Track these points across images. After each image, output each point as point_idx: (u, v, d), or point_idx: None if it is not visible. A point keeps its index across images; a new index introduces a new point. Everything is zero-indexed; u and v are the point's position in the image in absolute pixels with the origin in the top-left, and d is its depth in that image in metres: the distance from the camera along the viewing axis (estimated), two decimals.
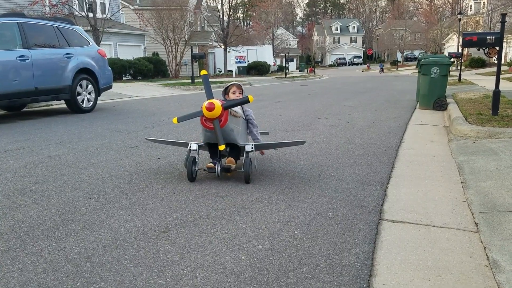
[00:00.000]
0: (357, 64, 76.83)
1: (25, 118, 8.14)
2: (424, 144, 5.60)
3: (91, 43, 9.28)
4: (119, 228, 2.69)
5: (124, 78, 20.82)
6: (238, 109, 3.88)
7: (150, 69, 21.61)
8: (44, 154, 4.82)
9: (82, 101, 8.75)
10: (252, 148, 3.83)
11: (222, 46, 34.93)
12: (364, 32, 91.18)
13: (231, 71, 30.86)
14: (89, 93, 8.92)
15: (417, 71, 9.61)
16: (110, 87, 9.75)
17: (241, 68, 33.87)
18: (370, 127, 7.02)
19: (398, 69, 46.21)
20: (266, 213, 2.98)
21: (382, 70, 42.27)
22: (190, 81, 18.36)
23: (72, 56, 8.50)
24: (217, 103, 3.48)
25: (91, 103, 8.96)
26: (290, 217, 2.89)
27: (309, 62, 61.58)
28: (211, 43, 37.73)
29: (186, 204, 3.16)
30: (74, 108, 8.60)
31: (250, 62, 35.44)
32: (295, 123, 7.51)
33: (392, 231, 2.71)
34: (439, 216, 2.97)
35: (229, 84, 4.16)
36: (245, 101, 3.59)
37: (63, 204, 3.15)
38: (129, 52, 26.87)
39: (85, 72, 8.80)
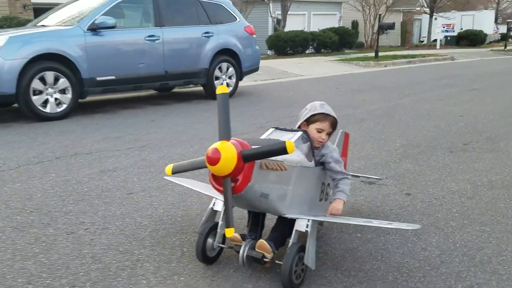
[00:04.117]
0: None
1: (157, 102, 7.65)
2: None
3: (238, 19, 8.25)
4: None
5: (307, 52, 19.70)
6: (302, 147, 2.16)
7: (335, 41, 19.86)
8: (101, 167, 3.94)
9: None
10: (307, 226, 2.07)
11: (428, 12, 30.51)
12: None
13: (436, 40, 26.59)
14: (229, 77, 7.97)
15: None
16: (256, 69, 8.63)
17: (448, 38, 28.99)
18: None
19: None
20: None
21: None
22: (374, 55, 16.03)
23: (212, 35, 7.62)
24: (229, 149, 1.84)
25: (231, 88, 7.93)
26: None
27: None
28: (418, 8, 33.38)
29: None
30: (210, 93, 7.76)
31: (462, 30, 30.06)
32: (476, 134, 5.08)
33: None
34: None
35: (316, 112, 2.30)
36: (279, 150, 1.85)
37: None
38: (323, 22, 25.53)
39: (226, 53, 7.84)
